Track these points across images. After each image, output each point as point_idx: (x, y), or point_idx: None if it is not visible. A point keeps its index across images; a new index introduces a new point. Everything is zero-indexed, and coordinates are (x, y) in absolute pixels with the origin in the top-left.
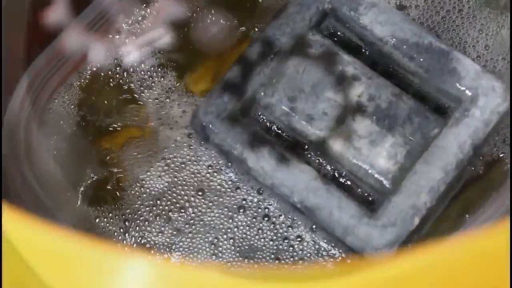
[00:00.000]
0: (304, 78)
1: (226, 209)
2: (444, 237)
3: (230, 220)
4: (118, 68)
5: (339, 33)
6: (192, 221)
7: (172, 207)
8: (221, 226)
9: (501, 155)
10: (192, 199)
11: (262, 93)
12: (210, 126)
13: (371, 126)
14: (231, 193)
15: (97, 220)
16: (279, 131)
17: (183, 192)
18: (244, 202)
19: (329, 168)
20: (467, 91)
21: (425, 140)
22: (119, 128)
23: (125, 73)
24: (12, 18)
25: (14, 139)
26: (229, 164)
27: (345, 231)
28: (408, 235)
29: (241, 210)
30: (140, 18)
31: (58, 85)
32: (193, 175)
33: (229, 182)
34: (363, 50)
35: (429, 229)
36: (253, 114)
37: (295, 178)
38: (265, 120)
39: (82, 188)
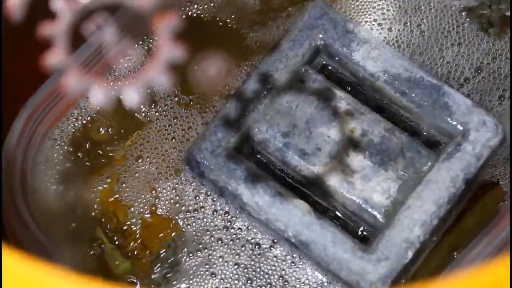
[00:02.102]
0: (297, 113)
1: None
2: (438, 269)
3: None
4: (114, 108)
5: (332, 69)
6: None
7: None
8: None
9: (494, 187)
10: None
11: (256, 129)
12: (205, 162)
13: (364, 161)
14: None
15: (95, 256)
16: (274, 167)
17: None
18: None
19: (323, 203)
20: (458, 126)
21: (418, 175)
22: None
23: (122, 113)
24: (11, 54)
25: (10, 174)
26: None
27: (339, 266)
28: (402, 268)
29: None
30: (138, 59)
31: (54, 122)
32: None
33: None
34: (356, 86)
35: (423, 261)
36: (248, 149)
37: (289, 213)
38: (259, 156)
39: (75, 224)
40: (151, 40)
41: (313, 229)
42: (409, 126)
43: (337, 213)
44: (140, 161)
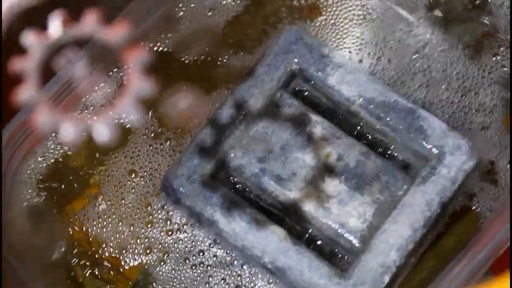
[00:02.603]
0: (273, 139)
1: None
2: None
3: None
4: (84, 143)
5: (307, 93)
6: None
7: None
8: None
9: (470, 209)
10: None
11: (232, 155)
12: (181, 188)
13: (340, 186)
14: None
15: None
16: (250, 192)
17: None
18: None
19: (300, 228)
20: (433, 149)
21: (393, 198)
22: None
23: (92, 147)
24: None
25: None
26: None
27: None
28: None
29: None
30: (108, 91)
31: (24, 158)
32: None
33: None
34: (331, 110)
35: (400, 285)
36: (224, 175)
37: (265, 239)
38: (235, 182)
39: (52, 256)
40: (121, 74)
41: (290, 255)
42: (384, 150)
43: (313, 238)
44: (115, 191)
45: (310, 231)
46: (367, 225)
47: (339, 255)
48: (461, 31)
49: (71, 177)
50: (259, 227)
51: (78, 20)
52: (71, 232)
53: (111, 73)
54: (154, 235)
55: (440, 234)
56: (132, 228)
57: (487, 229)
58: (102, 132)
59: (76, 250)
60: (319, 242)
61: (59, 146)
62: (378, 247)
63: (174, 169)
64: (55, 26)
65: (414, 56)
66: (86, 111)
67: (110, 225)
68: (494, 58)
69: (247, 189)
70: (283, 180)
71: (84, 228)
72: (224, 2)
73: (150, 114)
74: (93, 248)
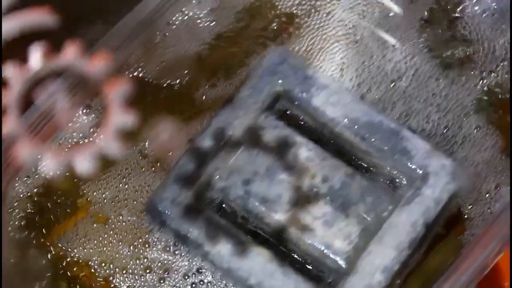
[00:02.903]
0: (258, 161)
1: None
2: None
3: None
4: (66, 176)
5: (292, 114)
6: None
7: None
8: None
9: (454, 228)
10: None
11: (217, 177)
12: (166, 211)
13: (325, 207)
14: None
15: None
16: (235, 214)
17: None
18: None
19: (285, 250)
20: (418, 170)
21: (378, 219)
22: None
23: (74, 179)
24: None
25: None
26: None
27: None
28: None
29: None
30: (88, 122)
31: (6, 187)
32: None
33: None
34: (317, 131)
35: None
36: (209, 197)
37: (251, 261)
38: (220, 204)
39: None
40: (101, 103)
41: (276, 277)
42: (369, 171)
43: (300, 259)
44: (97, 220)
45: (296, 252)
46: (352, 246)
47: (325, 277)
48: (444, 53)
49: (58, 201)
50: (245, 249)
51: (58, 52)
52: (59, 256)
53: (91, 101)
54: (150, 255)
55: (426, 254)
56: (127, 248)
57: (472, 250)
58: (83, 165)
59: (68, 273)
60: (306, 264)
61: (40, 179)
62: (364, 268)
63: (159, 192)
64: (36, 58)
65: (400, 75)
66: (67, 142)
67: (100, 247)
68: (480, 82)
69: (232, 211)
70: (269, 202)
71: (71, 252)
72: (204, 25)
73: (132, 146)
74: (83, 273)
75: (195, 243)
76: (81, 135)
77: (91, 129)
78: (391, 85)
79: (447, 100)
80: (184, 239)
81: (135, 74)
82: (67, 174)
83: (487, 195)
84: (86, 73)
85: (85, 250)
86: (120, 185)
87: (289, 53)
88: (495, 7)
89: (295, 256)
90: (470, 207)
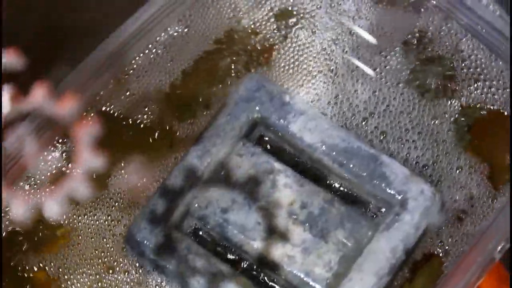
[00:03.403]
0: (236, 188)
1: None
2: None
3: None
4: (36, 220)
5: (269, 141)
6: None
7: None
8: None
9: (434, 254)
10: None
11: (196, 205)
12: (145, 241)
13: (304, 234)
14: None
15: None
16: (214, 243)
17: None
18: None
19: (265, 277)
20: (396, 195)
21: (358, 246)
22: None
23: (43, 221)
24: None
25: None
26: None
27: None
28: None
29: None
30: (56, 163)
31: None
32: None
33: None
34: (294, 157)
35: None
36: (188, 226)
37: None
38: (200, 232)
39: None
40: (68, 145)
41: None
42: (348, 196)
43: (280, 287)
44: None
45: (276, 280)
46: (332, 273)
47: None
48: (418, 81)
49: (38, 229)
50: (224, 278)
51: (26, 94)
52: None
53: (59, 142)
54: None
55: (407, 280)
56: (103, 276)
57: (452, 275)
58: (52, 210)
59: None
60: None
61: (8, 224)
62: None
63: (137, 222)
64: (4, 101)
65: (377, 100)
66: (35, 184)
67: (81, 276)
68: (456, 107)
69: (211, 240)
70: (248, 230)
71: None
72: (177, 55)
73: (101, 188)
74: None
75: (174, 272)
76: (49, 176)
77: (60, 171)
78: (367, 112)
79: (423, 126)
80: (163, 269)
81: (104, 110)
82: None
83: (466, 220)
84: (54, 115)
85: (67, 278)
86: (91, 222)
87: (265, 79)
88: (470, 30)
89: (275, 283)
90: (450, 230)
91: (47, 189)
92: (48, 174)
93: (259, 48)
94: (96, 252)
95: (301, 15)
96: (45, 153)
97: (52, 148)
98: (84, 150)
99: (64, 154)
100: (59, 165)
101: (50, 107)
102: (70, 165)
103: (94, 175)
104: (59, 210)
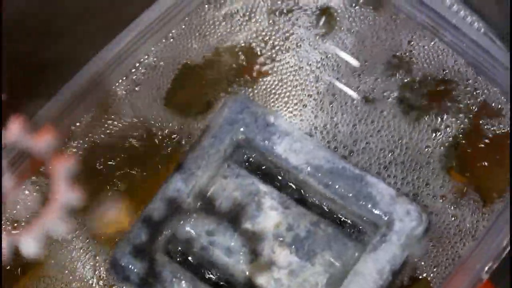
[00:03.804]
0: (221, 211)
1: None
2: None
3: None
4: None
5: (255, 162)
6: None
7: None
8: None
9: (421, 275)
10: None
11: (181, 228)
12: (130, 266)
13: (290, 256)
14: None
15: None
16: (200, 266)
17: None
18: None
19: None
20: (383, 216)
21: (345, 267)
22: None
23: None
24: None
25: None
26: None
27: None
28: None
29: None
30: (31, 202)
31: None
32: None
33: None
34: (279, 178)
35: None
36: (173, 249)
37: None
38: (185, 256)
39: None
40: (44, 181)
41: None
42: (334, 218)
43: None
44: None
45: None
46: None
47: None
48: (404, 103)
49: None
50: None
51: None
52: None
53: (36, 178)
54: None
55: None
56: None
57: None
58: (29, 247)
59: None
60: None
61: None
62: None
63: (121, 247)
64: None
65: (361, 119)
66: (11, 221)
67: None
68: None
69: (197, 263)
70: (233, 252)
71: None
72: (159, 82)
73: (77, 225)
74: None
75: None
76: (25, 213)
77: (36, 206)
78: (352, 133)
79: (407, 146)
80: None
81: (81, 142)
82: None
83: (452, 239)
84: (30, 149)
85: None
86: (70, 256)
87: (249, 101)
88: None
89: None
90: (437, 251)
91: (24, 226)
92: (24, 209)
93: (243, 69)
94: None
95: (287, 38)
96: (22, 187)
97: (28, 182)
98: (60, 185)
99: (40, 189)
100: (36, 200)
101: (26, 141)
102: (46, 200)
103: (71, 209)
104: (37, 247)
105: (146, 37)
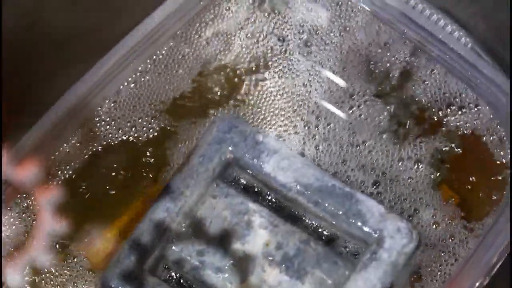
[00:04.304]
0: (211, 230)
1: None
2: None
3: None
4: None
5: (243, 181)
6: None
7: None
8: None
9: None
10: None
11: (171, 249)
12: None
13: (280, 275)
14: None
15: None
16: (190, 287)
17: None
18: None
19: None
20: (373, 234)
21: (335, 286)
22: None
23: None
24: None
25: None
26: None
27: None
28: None
29: None
30: (17, 233)
31: None
32: None
33: None
34: (269, 197)
35: None
36: (163, 270)
37: None
38: (175, 276)
39: None
40: (28, 211)
41: None
42: (324, 236)
43: None
44: None
45: None
46: None
47: None
48: (393, 124)
49: None
50: None
51: None
52: None
53: (21, 209)
54: None
55: None
56: None
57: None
58: (15, 279)
59: None
60: None
61: None
62: None
63: (111, 270)
64: None
65: (347, 140)
66: None
67: None
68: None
69: (187, 284)
70: (223, 272)
71: None
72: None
73: (64, 253)
74: None
75: None
76: (11, 244)
77: (22, 238)
78: (340, 152)
79: (397, 165)
80: None
81: (65, 171)
82: None
83: (445, 255)
84: (15, 181)
85: None
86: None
87: (238, 120)
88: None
89: None
90: (427, 269)
91: (8, 258)
92: (9, 241)
93: (231, 88)
94: None
95: (274, 58)
96: (7, 221)
97: (14, 216)
98: (45, 215)
99: (26, 222)
100: (20, 231)
101: (11, 172)
102: (30, 231)
103: (56, 240)
104: (21, 279)
105: (129, 60)
